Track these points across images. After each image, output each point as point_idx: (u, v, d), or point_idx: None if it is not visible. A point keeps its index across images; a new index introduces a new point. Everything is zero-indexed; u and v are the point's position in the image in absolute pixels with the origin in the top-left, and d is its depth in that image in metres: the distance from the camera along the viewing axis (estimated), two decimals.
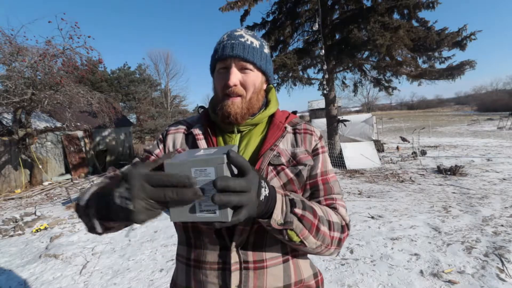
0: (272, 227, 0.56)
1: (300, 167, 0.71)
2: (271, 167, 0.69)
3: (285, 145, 0.73)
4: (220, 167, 0.44)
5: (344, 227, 0.70)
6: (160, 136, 0.81)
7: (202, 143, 0.73)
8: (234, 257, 0.66)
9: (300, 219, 0.58)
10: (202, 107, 0.86)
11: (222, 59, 0.69)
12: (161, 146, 0.79)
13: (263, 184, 0.51)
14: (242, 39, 0.70)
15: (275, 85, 8.96)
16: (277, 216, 0.55)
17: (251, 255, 0.67)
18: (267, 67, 0.75)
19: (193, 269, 0.70)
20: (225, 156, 0.44)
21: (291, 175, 0.70)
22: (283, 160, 0.70)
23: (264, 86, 0.78)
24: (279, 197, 0.56)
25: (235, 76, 0.68)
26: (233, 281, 0.64)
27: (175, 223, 0.78)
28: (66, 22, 7.29)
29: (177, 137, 0.79)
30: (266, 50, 0.76)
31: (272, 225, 0.55)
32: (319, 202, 0.71)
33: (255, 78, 0.72)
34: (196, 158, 0.46)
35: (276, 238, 0.67)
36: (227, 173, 0.45)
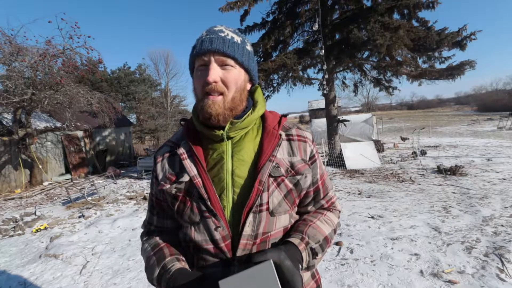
0: None
1: (298, 177, 0.71)
2: (271, 179, 0.67)
3: (281, 154, 0.71)
4: None
5: (339, 217, 0.83)
6: (153, 168, 0.78)
7: (187, 162, 0.69)
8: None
9: (319, 258, 0.70)
10: (184, 119, 0.80)
11: (201, 55, 0.65)
12: (155, 180, 0.76)
13: (299, 268, 0.60)
14: (222, 34, 0.66)
15: (275, 85, 8.94)
16: (303, 266, 0.65)
17: None
18: (250, 64, 0.71)
19: None
20: None
21: (290, 186, 0.70)
22: (283, 170, 0.69)
23: (248, 86, 0.73)
24: (304, 255, 0.65)
25: (215, 72, 0.63)
26: None
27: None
28: (66, 22, 7.37)
29: (164, 163, 0.74)
30: (249, 47, 0.72)
31: None
32: (322, 206, 0.79)
33: (237, 75, 0.67)
34: None
35: None
36: None
